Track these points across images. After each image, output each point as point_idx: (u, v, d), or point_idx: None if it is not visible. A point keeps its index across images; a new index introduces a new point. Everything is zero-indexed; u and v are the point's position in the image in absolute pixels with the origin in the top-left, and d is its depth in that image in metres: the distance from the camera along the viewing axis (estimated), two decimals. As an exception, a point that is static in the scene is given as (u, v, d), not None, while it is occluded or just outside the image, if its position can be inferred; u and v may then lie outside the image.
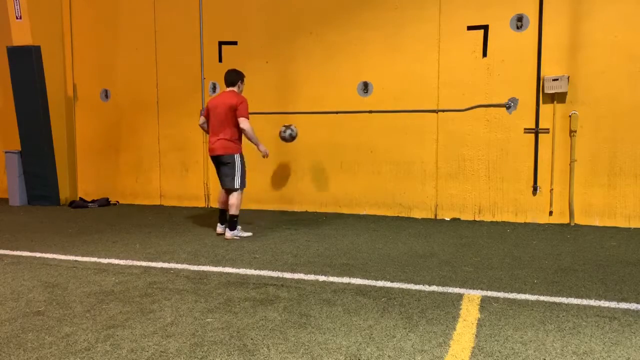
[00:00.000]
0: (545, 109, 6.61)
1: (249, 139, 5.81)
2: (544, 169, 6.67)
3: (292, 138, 6.52)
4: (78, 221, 7.17)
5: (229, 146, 5.75)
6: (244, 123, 5.69)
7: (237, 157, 5.78)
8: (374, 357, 2.80)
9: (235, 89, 5.89)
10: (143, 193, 8.72)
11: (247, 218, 7.07)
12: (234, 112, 5.68)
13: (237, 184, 5.79)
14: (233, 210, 5.82)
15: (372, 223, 6.80)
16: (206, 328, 3.23)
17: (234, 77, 5.89)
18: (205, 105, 6.00)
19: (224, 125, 5.73)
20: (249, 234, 6.04)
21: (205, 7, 8.03)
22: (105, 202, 8.59)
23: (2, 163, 9.21)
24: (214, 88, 8.08)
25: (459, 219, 7.03)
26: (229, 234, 5.86)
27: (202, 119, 6.03)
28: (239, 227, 5.97)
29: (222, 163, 5.81)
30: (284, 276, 4.36)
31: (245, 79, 6.03)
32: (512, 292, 3.89)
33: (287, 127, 6.54)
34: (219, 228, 6.05)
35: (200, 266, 4.70)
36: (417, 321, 3.32)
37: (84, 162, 9.05)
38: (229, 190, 5.87)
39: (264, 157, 6.04)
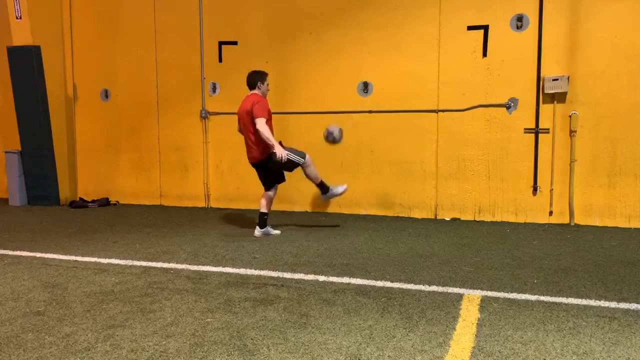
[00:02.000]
0: (545, 109, 6.61)
1: (264, 139, 5.60)
2: (544, 169, 6.67)
3: (340, 138, 6.33)
4: (78, 221, 7.17)
5: (260, 151, 5.72)
6: (258, 124, 5.56)
7: (273, 153, 5.64)
8: (374, 357, 2.80)
9: (256, 90, 5.82)
10: (143, 193, 8.71)
11: (246, 218, 7.07)
12: (252, 116, 5.61)
13: (298, 160, 5.80)
14: (312, 176, 5.98)
15: (372, 223, 6.80)
16: (206, 328, 3.23)
17: (252, 79, 5.84)
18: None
19: (249, 131, 5.72)
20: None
21: (205, 7, 8.03)
22: (105, 202, 8.59)
23: (2, 163, 9.21)
24: (214, 88, 8.08)
25: (459, 219, 7.03)
26: (332, 189, 6.08)
27: (237, 125, 6.00)
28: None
29: (266, 164, 5.79)
30: (284, 276, 4.36)
31: (267, 77, 5.91)
32: (512, 292, 3.89)
33: (337, 130, 6.29)
34: (257, 232, 6.02)
35: (200, 266, 4.70)
36: (417, 321, 3.32)
37: (84, 162, 9.05)
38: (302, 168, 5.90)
39: (278, 160, 5.78)
